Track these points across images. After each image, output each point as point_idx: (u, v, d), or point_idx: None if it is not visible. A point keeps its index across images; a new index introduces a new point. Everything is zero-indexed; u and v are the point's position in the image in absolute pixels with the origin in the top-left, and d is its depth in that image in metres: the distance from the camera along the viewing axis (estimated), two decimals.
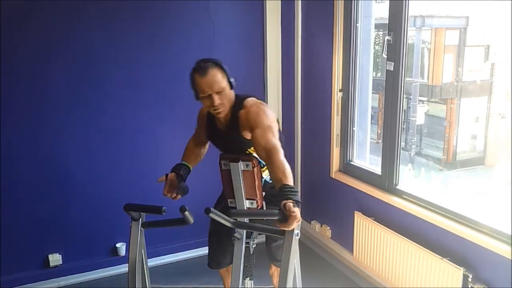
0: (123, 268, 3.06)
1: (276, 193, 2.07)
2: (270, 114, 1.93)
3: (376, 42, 3.10)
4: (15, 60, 2.74)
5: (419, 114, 3.60)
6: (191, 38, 3.14)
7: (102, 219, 3.11)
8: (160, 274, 3.14)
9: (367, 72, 3.04)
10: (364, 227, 2.85)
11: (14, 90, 2.77)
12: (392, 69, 2.59)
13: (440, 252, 2.34)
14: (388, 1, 2.57)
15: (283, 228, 1.52)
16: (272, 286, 2.57)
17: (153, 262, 3.19)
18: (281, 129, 2.12)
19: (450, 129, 3.45)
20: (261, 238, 2.23)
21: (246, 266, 2.01)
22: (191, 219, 1.57)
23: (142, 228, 1.80)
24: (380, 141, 2.86)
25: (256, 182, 1.94)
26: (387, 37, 2.59)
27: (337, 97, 3.06)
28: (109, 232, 3.15)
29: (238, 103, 1.96)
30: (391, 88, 2.63)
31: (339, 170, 3.18)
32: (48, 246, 3.05)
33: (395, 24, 2.53)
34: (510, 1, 2.16)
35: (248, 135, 1.94)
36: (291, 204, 1.49)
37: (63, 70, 2.87)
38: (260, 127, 1.84)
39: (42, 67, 2.81)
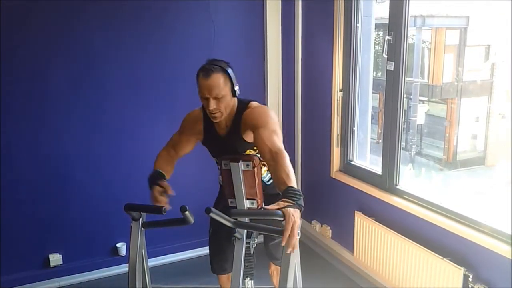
0: (124, 268, 3.06)
1: (274, 193, 2.08)
2: (275, 117, 1.92)
3: (376, 42, 3.10)
4: (15, 60, 2.74)
5: (420, 114, 3.60)
6: (191, 38, 3.14)
7: (102, 219, 3.11)
8: (160, 274, 3.14)
9: (367, 72, 3.04)
10: (365, 227, 2.85)
11: (14, 90, 2.77)
12: (392, 69, 2.59)
13: (440, 252, 2.34)
14: (388, 1, 2.57)
15: (287, 229, 1.51)
16: (273, 286, 2.56)
17: (153, 262, 3.19)
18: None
19: (450, 129, 3.45)
20: (261, 238, 2.23)
21: (247, 266, 2.01)
22: (192, 219, 1.57)
23: (142, 228, 1.80)
24: (380, 141, 2.86)
25: (257, 182, 1.94)
26: (387, 37, 2.59)
27: (337, 97, 3.06)
28: (109, 232, 3.15)
29: (242, 106, 1.96)
30: (391, 88, 2.63)
31: (340, 170, 3.18)
32: (48, 246, 3.05)
33: (396, 24, 2.53)
34: (510, 1, 2.16)
35: (249, 137, 1.93)
36: (290, 210, 1.47)
37: (63, 70, 2.87)
38: (264, 127, 1.82)
39: (42, 67, 2.81)
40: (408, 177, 3.23)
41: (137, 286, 1.74)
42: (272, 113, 1.93)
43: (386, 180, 2.75)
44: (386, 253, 2.68)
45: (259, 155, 2.00)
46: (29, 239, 2.98)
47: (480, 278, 2.18)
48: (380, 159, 2.81)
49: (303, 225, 3.53)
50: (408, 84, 3.10)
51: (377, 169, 2.85)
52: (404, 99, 2.64)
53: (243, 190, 1.95)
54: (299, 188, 3.53)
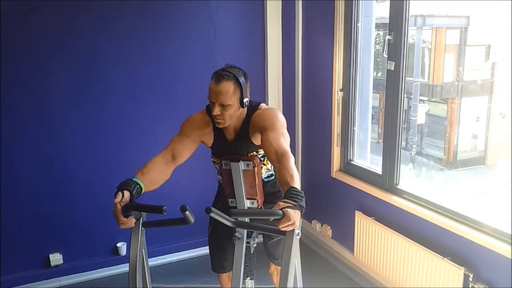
0: (124, 268, 3.06)
1: (272, 191, 2.08)
2: (283, 119, 1.92)
3: (377, 42, 3.10)
4: (16, 60, 2.75)
5: (420, 114, 3.59)
6: (192, 38, 3.14)
7: (103, 219, 3.09)
8: (161, 274, 3.14)
9: (367, 71, 3.04)
10: (365, 227, 2.85)
11: (15, 90, 2.78)
12: (392, 69, 2.59)
13: (440, 251, 2.34)
14: (388, 1, 2.57)
15: (281, 228, 1.52)
16: (273, 286, 2.56)
17: (154, 261, 3.19)
18: None
19: (451, 128, 3.44)
20: (261, 238, 2.23)
21: (247, 265, 2.01)
22: (192, 219, 1.56)
23: (142, 228, 1.80)
24: (381, 140, 2.86)
25: (257, 182, 1.94)
26: (387, 37, 2.59)
27: (337, 96, 3.06)
28: (110, 231, 3.15)
29: (252, 108, 1.95)
30: (391, 87, 2.63)
31: (340, 170, 3.18)
32: (49, 246, 3.05)
33: (396, 23, 2.53)
34: (510, 0, 2.16)
35: (257, 140, 1.93)
36: (290, 211, 1.47)
37: (64, 70, 2.87)
38: (271, 129, 1.82)
39: (43, 67, 2.81)
40: (409, 177, 3.22)
41: (137, 286, 1.74)
42: (280, 115, 1.93)
43: (387, 179, 2.75)
44: (386, 253, 2.68)
45: (260, 156, 2.00)
46: (30, 238, 2.99)
47: (480, 278, 2.18)
48: (381, 158, 2.81)
49: (304, 224, 3.53)
50: (409, 84, 3.10)
51: (378, 168, 2.85)
52: (405, 98, 2.64)
53: (243, 190, 1.95)
54: (300, 188, 3.54)
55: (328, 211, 3.37)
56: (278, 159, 1.71)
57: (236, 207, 1.99)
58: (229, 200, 2.03)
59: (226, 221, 1.68)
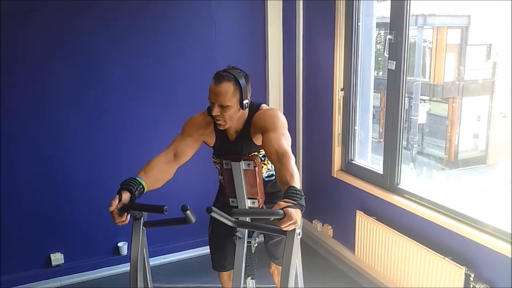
0: (125, 268, 3.06)
1: (273, 191, 2.08)
2: (284, 119, 1.92)
3: (378, 41, 3.09)
4: (17, 60, 2.75)
5: (421, 113, 3.59)
6: (193, 38, 3.14)
7: (104, 218, 3.06)
8: (161, 273, 3.14)
9: (368, 71, 3.03)
10: (366, 226, 2.84)
11: (16, 90, 2.78)
12: (393, 68, 2.59)
13: (441, 251, 2.34)
14: (389, 0, 2.57)
15: (283, 228, 1.52)
16: (274, 285, 2.56)
17: (154, 261, 3.19)
18: None
19: (452, 128, 3.43)
20: (262, 237, 2.23)
21: (248, 265, 2.01)
22: (193, 218, 1.56)
23: (143, 228, 1.80)
24: (381, 140, 2.86)
25: (258, 181, 1.94)
26: (388, 36, 2.59)
27: (338, 96, 3.06)
28: (111, 231, 3.15)
29: (253, 109, 1.96)
30: (392, 87, 2.63)
31: (341, 169, 3.18)
32: (50, 246, 3.06)
33: (397, 23, 2.53)
34: (511, 0, 2.16)
35: (258, 140, 1.93)
36: (291, 210, 1.47)
37: (64, 70, 2.87)
38: (273, 130, 1.83)
39: (43, 67, 2.82)
40: (410, 176, 3.22)
41: (138, 286, 1.74)
42: (281, 116, 1.93)
43: (388, 179, 2.74)
44: (387, 252, 2.68)
45: (261, 156, 2.00)
46: (31, 238, 2.99)
47: (481, 277, 2.17)
48: (382, 158, 2.80)
49: (305, 224, 3.53)
50: (410, 83, 3.09)
51: (379, 168, 2.85)
52: (406, 98, 2.64)
53: (244, 190, 1.95)
54: (301, 187, 3.54)
55: (329, 210, 3.37)
56: (278, 159, 1.71)
57: (237, 207, 1.99)
58: (230, 199, 2.03)
59: (227, 220, 1.68)
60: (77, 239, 3.11)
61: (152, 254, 2.85)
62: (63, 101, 2.90)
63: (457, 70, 3.34)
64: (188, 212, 1.53)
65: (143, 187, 1.79)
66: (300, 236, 1.62)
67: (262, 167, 2.02)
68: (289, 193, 1.55)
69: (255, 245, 2.02)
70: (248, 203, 1.98)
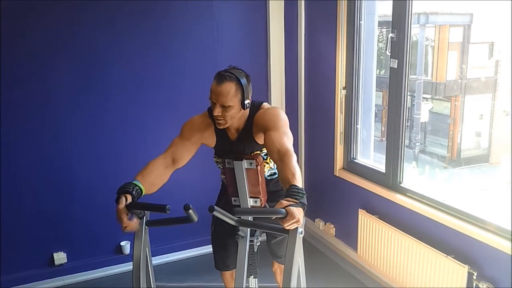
0: (128, 267, 3.07)
1: (274, 190, 2.08)
2: (286, 118, 1.92)
3: (380, 40, 3.09)
4: (18, 60, 2.76)
5: (423, 112, 3.58)
6: (195, 37, 3.14)
7: (106, 218, 3.10)
8: (164, 272, 3.15)
9: (370, 69, 3.03)
10: (368, 225, 2.84)
11: (18, 90, 2.79)
12: (395, 67, 2.58)
13: (444, 250, 2.33)
14: None
15: (285, 227, 1.52)
16: (276, 284, 2.57)
17: (157, 260, 3.20)
18: None
19: (454, 126, 3.43)
20: (264, 236, 2.23)
21: (250, 264, 2.01)
22: (195, 217, 1.57)
23: (146, 227, 1.81)
24: (384, 138, 2.85)
25: (260, 180, 1.94)
26: (390, 35, 2.58)
27: (340, 95, 3.06)
28: (113, 230, 3.13)
29: (254, 108, 1.96)
30: (395, 85, 2.62)
31: (343, 168, 3.18)
32: (53, 245, 3.07)
33: (399, 21, 2.52)
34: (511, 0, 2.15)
35: (260, 139, 1.93)
36: (293, 209, 1.47)
37: (66, 70, 2.88)
38: (274, 129, 1.83)
39: (45, 67, 2.82)
40: (412, 175, 3.21)
41: (141, 285, 1.74)
42: (283, 115, 1.93)
43: (390, 178, 2.74)
44: (390, 251, 2.68)
45: (263, 154, 2.00)
46: (34, 237, 3.00)
47: (485, 276, 2.17)
48: (384, 157, 2.80)
49: (307, 223, 3.53)
50: (412, 82, 3.08)
51: (381, 167, 2.85)
52: (408, 96, 2.63)
53: (246, 188, 1.95)
54: (303, 186, 3.54)
55: (331, 209, 3.36)
56: (280, 158, 1.71)
57: (239, 206, 1.99)
58: (233, 198, 2.03)
59: (229, 219, 1.68)
60: (80, 239, 3.11)
61: (155, 253, 2.86)
62: (65, 101, 2.91)
63: (460, 68, 3.33)
64: (190, 211, 1.53)
65: (140, 188, 1.78)
66: (302, 235, 1.62)
67: (264, 166, 2.02)
68: (291, 191, 1.55)
69: (257, 244, 2.02)
70: (251, 202, 1.98)
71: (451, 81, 3.43)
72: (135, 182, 1.79)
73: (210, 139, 2.04)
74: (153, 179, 1.86)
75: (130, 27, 2.97)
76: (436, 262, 2.36)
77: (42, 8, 2.74)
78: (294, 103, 3.49)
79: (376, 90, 3.10)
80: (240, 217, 1.79)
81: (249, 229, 1.93)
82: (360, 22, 2.90)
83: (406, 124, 2.67)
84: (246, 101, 1.87)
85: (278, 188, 2.09)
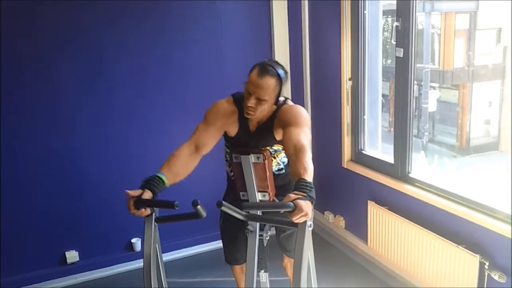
0: (139, 263, 3.07)
1: (282, 184, 2.07)
2: (307, 117, 1.93)
3: (385, 29, 3.06)
4: (24, 58, 2.77)
5: (431, 101, 3.55)
6: (199, 36, 3.14)
7: (117, 215, 3.12)
8: (175, 268, 3.16)
9: (376, 59, 3.00)
10: (378, 217, 2.83)
11: (24, 90, 2.80)
12: (401, 56, 2.55)
13: (455, 239, 2.32)
14: None
15: (294, 220, 1.51)
16: (287, 278, 2.57)
17: (168, 256, 3.21)
18: None
19: (463, 114, 3.40)
20: (274, 230, 2.23)
21: (260, 258, 2.01)
22: (204, 213, 1.57)
23: (155, 223, 1.81)
24: (391, 129, 2.83)
25: (268, 174, 1.93)
26: (395, 23, 2.55)
27: (346, 85, 3.04)
28: (124, 228, 3.17)
29: (280, 103, 1.95)
30: (401, 75, 2.60)
31: (351, 160, 3.16)
32: (65, 244, 3.09)
33: (404, 9, 2.49)
34: None
35: (279, 134, 1.93)
36: (302, 202, 1.47)
37: (72, 69, 2.89)
38: (296, 125, 1.83)
39: (51, 66, 2.83)
40: (421, 165, 3.19)
41: (152, 281, 1.75)
42: (304, 113, 1.94)
43: (399, 168, 2.72)
44: (400, 242, 2.67)
45: (271, 150, 2.00)
46: (46, 237, 3.02)
47: (496, 265, 2.15)
48: (392, 147, 2.78)
49: (316, 216, 3.52)
50: (419, 71, 3.06)
51: (389, 157, 2.83)
52: (415, 85, 2.61)
53: (254, 183, 1.95)
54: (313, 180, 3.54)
55: (340, 201, 3.36)
56: (295, 153, 1.71)
57: (247, 200, 1.99)
58: (241, 193, 2.03)
59: (238, 214, 1.68)
60: (91, 237, 3.14)
61: (165, 250, 2.87)
62: (72, 99, 2.92)
63: (467, 55, 3.29)
64: (198, 207, 1.54)
65: (163, 182, 1.80)
66: (311, 228, 1.61)
67: (272, 161, 2.02)
68: (299, 185, 1.54)
69: (267, 238, 2.02)
70: (259, 196, 1.98)
71: (459, 69, 3.39)
72: (159, 175, 1.81)
73: (233, 127, 2.01)
74: (178, 170, 1.87)
75: (136, 25, 2.96)
76: (447, 252, 2.34)
77: (48, 7, 2.74)
78: (300, 95, 3.47)
79: (383, 80, 3.07)
80: (248, 212, 1.79)
81: (258, 223, 1.92)
82: (365, 12, 2.87)
83: (414, 113, 2.65)
84: (281, 98, 1.87)
85: (286, 182, 2.09)
